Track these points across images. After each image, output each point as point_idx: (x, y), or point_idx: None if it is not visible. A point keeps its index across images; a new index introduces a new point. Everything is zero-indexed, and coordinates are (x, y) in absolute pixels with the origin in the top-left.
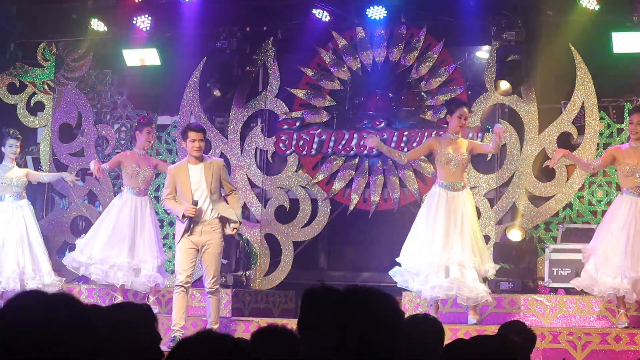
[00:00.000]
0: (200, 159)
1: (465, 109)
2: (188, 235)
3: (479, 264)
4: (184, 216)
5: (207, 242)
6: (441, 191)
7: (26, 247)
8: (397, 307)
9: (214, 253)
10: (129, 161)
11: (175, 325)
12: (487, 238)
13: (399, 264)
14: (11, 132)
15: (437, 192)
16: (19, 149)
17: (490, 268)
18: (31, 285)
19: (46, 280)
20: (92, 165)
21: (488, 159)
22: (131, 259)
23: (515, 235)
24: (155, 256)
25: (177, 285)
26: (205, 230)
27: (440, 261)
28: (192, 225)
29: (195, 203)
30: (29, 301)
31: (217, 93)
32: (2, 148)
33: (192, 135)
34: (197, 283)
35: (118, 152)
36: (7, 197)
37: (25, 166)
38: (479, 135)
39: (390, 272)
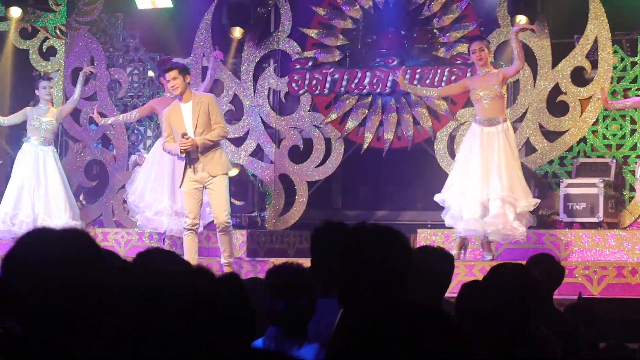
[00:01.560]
0: (189, 97)
1: (475, 45)
2: (192, 173)
3: (515, 200)
4: (181, 152)
5: (208, 176)
6: (476, 127)
7: (42, 194)
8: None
9: (217, 185)
10: (162, 107)
11: None
12: None
13: (414, 202)
14: (42, 73)
15: (473, 128)
16: (52, 89)
17: (526, 205)
18: None
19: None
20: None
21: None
22: (173, 204)
23: None
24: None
25: (186, 229)
26: (205, 162)
27: (479, 196)
28: (191, 161)
29: (184, 135)
30: (39, 238)
31: (238, 34)
32: (37, 91)
33: (166, 76)
34: (210, 225)
35: (130, 96)
36: (32, 139)
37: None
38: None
39: (442, 215)
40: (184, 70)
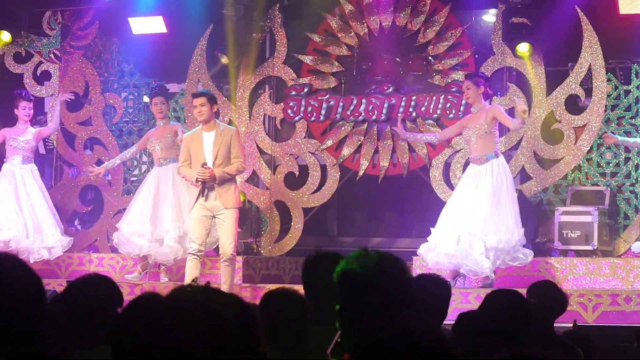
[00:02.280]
0: (212, 126)
1: (465, 83)
2: (203, 201)
3: (485, 235)
4: (197, 180)
5: (221, 206)
6: (470, 165)
7: (28, 212)
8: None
9: (228, 216)
10: (151, 137)
11: None
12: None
13: (409, 229)
14: (24, 93)
15: (468, 166)
16: (32, 111)
17: (496, 241)
18: (35, 247)
19: (50, 242)
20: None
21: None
22: (154, 229)
23: None
24: (178, 226)
25: (190, 254)
26: (215, 196)
27: (451, 230)
28: (205, 190)
29: (203, 166)
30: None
31: (225, 60)
32: (16, 110)
33: (194, 101)
34: (209, 251)
35: (126, 121)
36: (11, 159)
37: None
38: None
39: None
40: (212, 99)
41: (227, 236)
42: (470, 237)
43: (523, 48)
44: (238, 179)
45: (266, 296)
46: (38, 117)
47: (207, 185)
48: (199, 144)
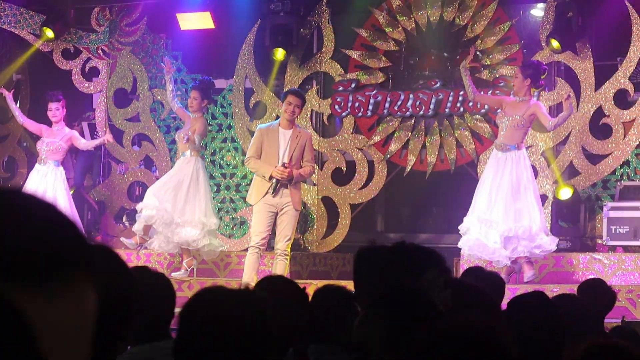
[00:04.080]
0: (291, 125)
1: (515, 71)
2: (271, 197)
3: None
4: (270, 177)
5: (287, 203)
6: (493, 151)
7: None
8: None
9: (291, 215)
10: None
11: (244, 285)
12: (544, 197)
13: (456, 225)
14: (49, 95)
15: (492, 152)
16: (60, 111)
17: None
18: None
19: None
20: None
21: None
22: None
23: (565, 193)
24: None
25: (252, 246)
26: (286, 193)
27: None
28: (279, 187)
29: (284, 165)
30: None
31: (280, 55)
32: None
33: (290, 98)
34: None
35: (173, 117)
36: (46, 161)
37: (81, 132)
38: (535, 93)
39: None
40: (304, 103)
41: (286, 233)
42: (485, 226)
43: (555, 44)
44: None
45: (317, 291)
46: (87, 113)
47: (281, 183)
48: (275, 139)
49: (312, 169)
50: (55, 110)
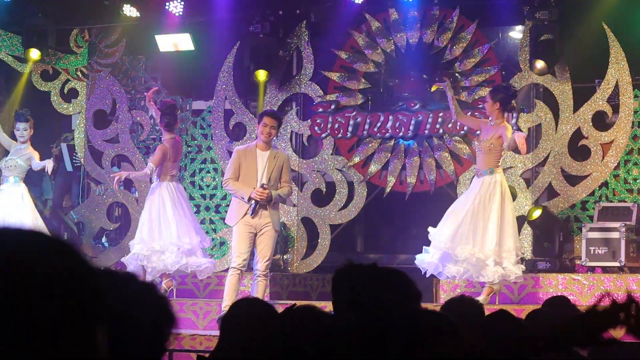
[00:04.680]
0: (268, 147)
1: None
2: (250, 218)
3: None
4: (250, 198)
5: (266, 224)
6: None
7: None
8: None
9: (270, 236)
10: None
11: (225, 307)
12: (523, 219)
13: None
14: (16, 114)
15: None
16: (28, 131)
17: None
18: None
19: None
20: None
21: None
22: (163, 242)
23: (536, 214)
24: (186, 241)
25: (233, 268)
26: (265, 214)
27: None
28: (258, 209)
29: (263, 186)
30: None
31: (262, 77)
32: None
33: (265, 120)
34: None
35: (153, 138)
36: (10, 179)
37: (60, 153)
38: (514, 115)
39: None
40: (280, 124)
41: (265, 254)
42: (436, 249)
43: (539, 64)
44: None
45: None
46: (65, 135)
47: (260, 205)
48: (253, 161)
49: (290, 189)
50: (23, 130)
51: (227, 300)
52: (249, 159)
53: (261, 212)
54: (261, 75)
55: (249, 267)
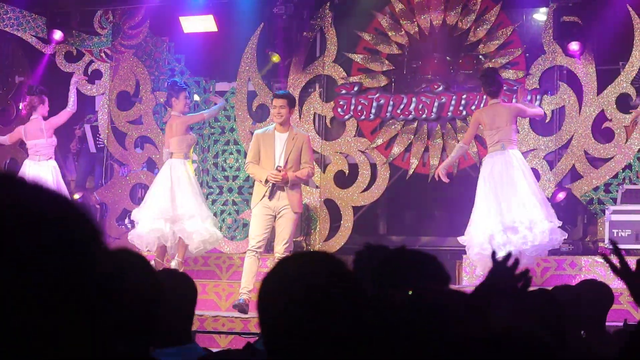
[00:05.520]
0: (286, 128)
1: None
2: (268, 200)
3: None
4: (266, 181)
5: (284, 206)
6: (488, 159)
7: None
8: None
9: (289, 218)
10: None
11: (243, 289)
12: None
13: (459, 228)
14: (29, 88)
15: (486, 160)
16: (39, 106)
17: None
18: None
19: None
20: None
21: (547, 120)
22: (174, 214)
23: (559, 197)
24: (199, 212)
25: (249, 250)
26: (283, 196)
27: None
28: (275, 190)
29: (278, 168)
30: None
31: (275, 59)
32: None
33: (274, 102)
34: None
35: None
36: (33, 157)
37: (83, 134)
38: (537, 97)
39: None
40: (292, 102)
41: (284, 236)
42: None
43: (574, 47)
44: None
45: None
46: (89, 116)
47: (276, 186)
48: (271, 143)
49: (310, 170)
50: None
51: (244, 283)
52: (267, 141)
53: (279, 194)
54: (274, 57)
55: (271, 248)
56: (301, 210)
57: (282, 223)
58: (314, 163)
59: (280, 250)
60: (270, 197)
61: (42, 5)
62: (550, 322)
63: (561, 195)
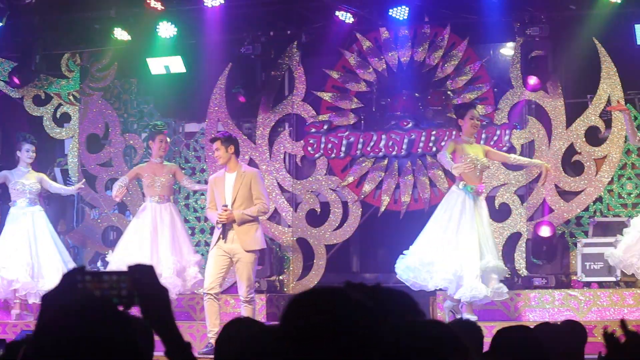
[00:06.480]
0: (234, 167)
1: (476, 111)
2: (223, 243)
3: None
4: (217, 222)
5: (238, 248)
6: (465, 194)
7: (34, 253)
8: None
9: (245, 261)
10: (145, 171)
11: (209, 332)
12: (518, 235)
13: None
14: (27, 136)
15: (459, 194)
16: (34, 154)
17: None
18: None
19: (47, 286)
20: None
21: (517, 154)
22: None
23: (545, 231)
24: (175, 260)
25: (205, 293)
26: (235, 238)
27: (478, 265)
28: (226, 231)
29: (223, 207)
30: None
31: (241, 99)
32: (18, 153)
33: (213, 146)
34: (232, 289)
35: (146, 161)
36: (18, 202)
37: (54, 178)
38: (507, 132)
39: (396, 269)
40: (227, 141)
41: (243, 280)
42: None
43: (532, 80)
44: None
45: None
46: (58, 159)
47: (227, 228)
48: (221, 185)
49: (261, 205)
50: (32, 152)
51: (209, 326)
52: (218, 184)
53: (232, 236)
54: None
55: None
56: (259, 246)
57: (239, 267)
58: (285, 201)
59: (243, 293)
60: (224, 238)
61: (9, 50)
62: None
63: (547, 230)
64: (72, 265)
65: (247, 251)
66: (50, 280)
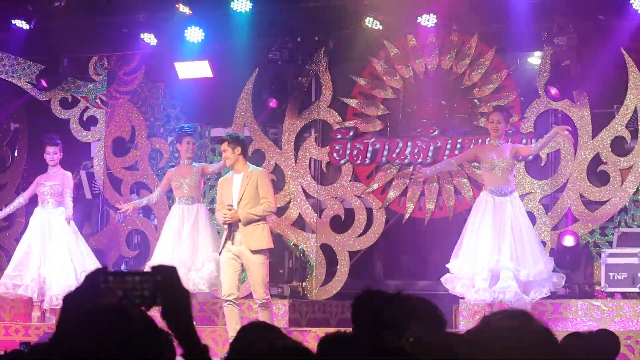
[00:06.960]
0: (242, 168)
1: (495, 116)
2: (230, 244)
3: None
4: (223, 222)
5: (244, 250)
6: (488, 197)
7: (47, 256)
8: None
9: (254, 262)
10: (174, 175)
11: (231, 338)
12: (542, 244)
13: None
14: (47, 139)
15: (484, 198)
16: (58, 155)
17: (526, 274)
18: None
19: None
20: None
21: (542, 164)
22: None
23: (569, 241)
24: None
25: (224, 300)
26: (241, 239)
27: (487, 265)
28: (231, 232)
29: (228, 207)
30: None
31: (273, 104)
32: (44, 155)
33: (221, 147)
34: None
35: (172, 165)
36: (45, 204)
37: (79, 181)
38: (532, 141)
39: (442, 279)
40: (233, 142)
41: (256, 281)
42: (510, 272)
43: (552, 92)
44: (284, 222)
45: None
46: (84, 162)
47: (232, 228)
48: (229, 187)
49: (267, 205)
50: (53, 154)
51: (231, 332)
52: (226, 186)
53: (239, 237)
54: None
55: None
56: (265, 246)
57: (249, 270)
58: (309, 206)
59: (258, 297)
60: (230, 238)
61: (37, 52)
62: None
63: (571, 240)
64: (86, 268)
65: (253, 251)
66: (57, 287)
